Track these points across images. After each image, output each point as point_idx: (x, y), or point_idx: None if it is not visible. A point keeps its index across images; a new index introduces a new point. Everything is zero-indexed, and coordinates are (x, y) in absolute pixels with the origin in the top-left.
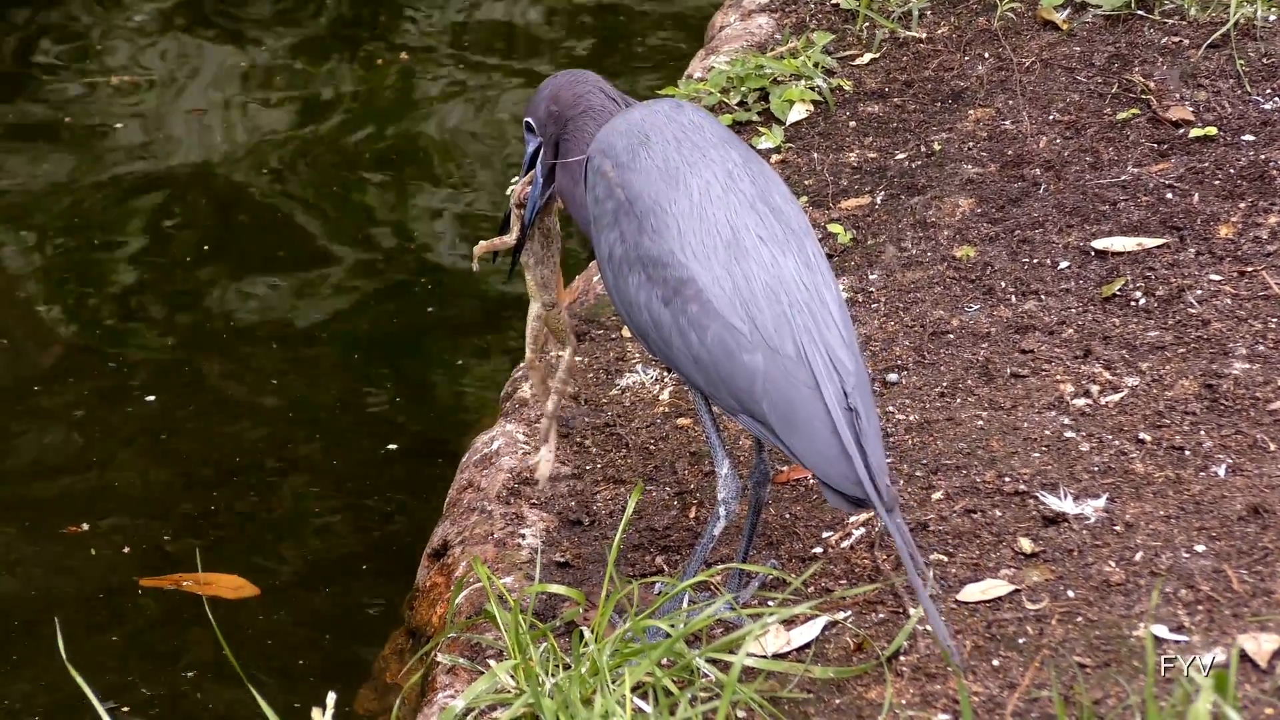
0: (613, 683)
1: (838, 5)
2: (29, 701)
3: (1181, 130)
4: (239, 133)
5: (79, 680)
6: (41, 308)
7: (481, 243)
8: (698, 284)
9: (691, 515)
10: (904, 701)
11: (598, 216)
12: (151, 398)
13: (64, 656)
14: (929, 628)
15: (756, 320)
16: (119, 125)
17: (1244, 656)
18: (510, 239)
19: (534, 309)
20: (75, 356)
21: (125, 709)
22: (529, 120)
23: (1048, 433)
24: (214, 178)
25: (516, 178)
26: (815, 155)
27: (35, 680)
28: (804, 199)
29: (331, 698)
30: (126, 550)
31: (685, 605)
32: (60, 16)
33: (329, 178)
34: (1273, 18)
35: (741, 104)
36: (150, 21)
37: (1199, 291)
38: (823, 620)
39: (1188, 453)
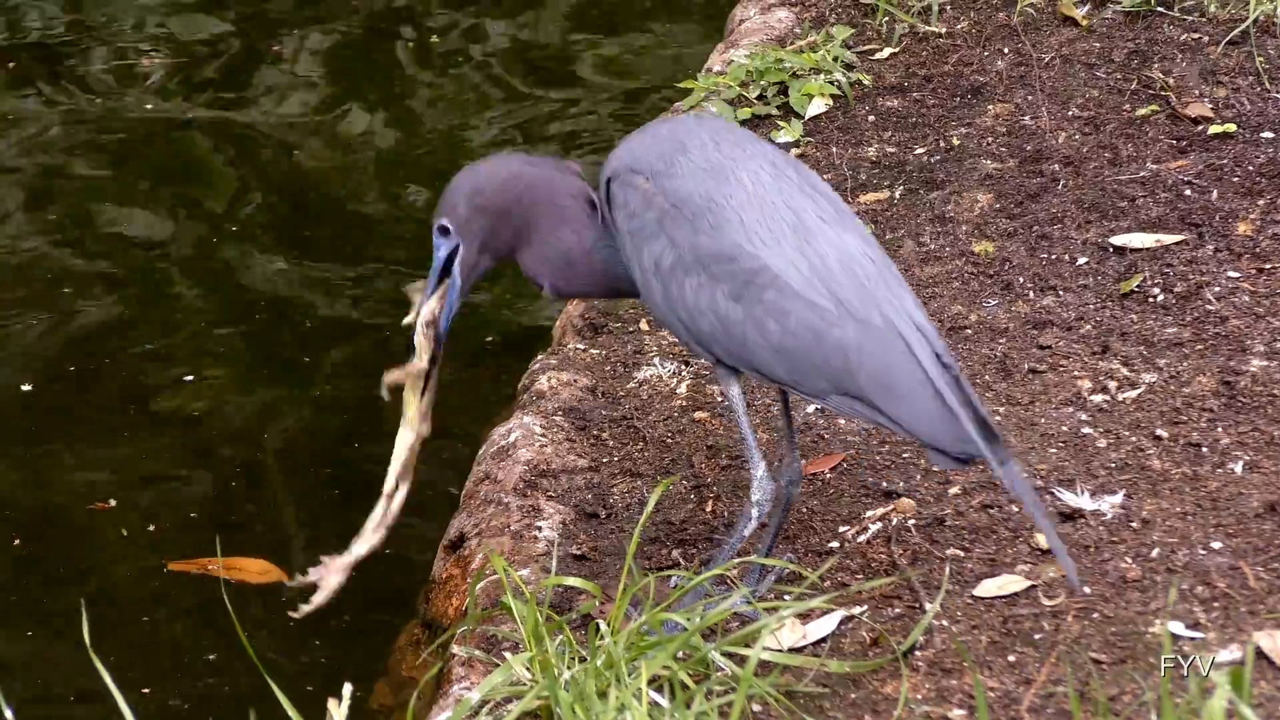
0: (628, 676)
1: (857, 0)
2: (53, 684)
3: (1200, 127)
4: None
5: (102, 671)
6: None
7: (391, 372)
8: (772, 270)
9: (708, 509)
10: (919, 696)
11: (635, 231)
12: (189, 377)
13: (88, 644)
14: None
15: (840, 295)
16: None
17: (1260, 654)
18: (422, 363)
19: (408, 437)
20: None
21: (146, 691)
22: (444, 223)
23: (1065, 428)
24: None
25: (420, 292)
26: (834, 150)
27: (59, 664)
28: None
29: (348, 689)
30: (153, 529)
31: (704, 599)
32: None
33: (380, 179)
34: None
35: (761, 98)
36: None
37: (1217, 288)
38: (839, 615)
39: (1205, 449)
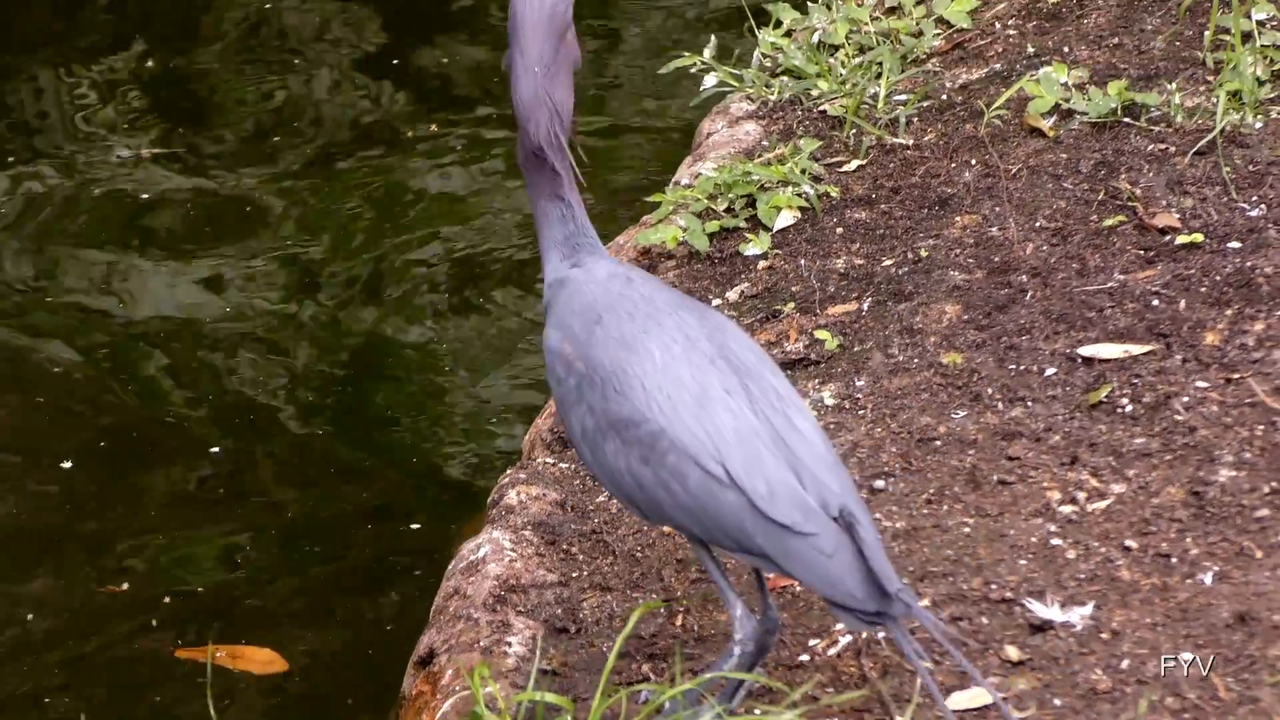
0: None
1: (825, 112)
2: None
3: (1168, 237)
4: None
5: None
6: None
7: None
8: (669, 435)
9: (678, 623)
10: None
11: (562, 396)
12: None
13: None
14: None
15: (728, 464)
16: None
17: None
18: None
19: None
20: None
21: None
22: None
23: (1034, 540)
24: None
25: None
26: (802, 261)
27: None
28: (791, 305)
29: None
30: (163, 612)
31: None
32: None
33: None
34: (1259, 125)
35: (729, 210)
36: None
37: (1185, 399)
38: None
39: (1174, 560)
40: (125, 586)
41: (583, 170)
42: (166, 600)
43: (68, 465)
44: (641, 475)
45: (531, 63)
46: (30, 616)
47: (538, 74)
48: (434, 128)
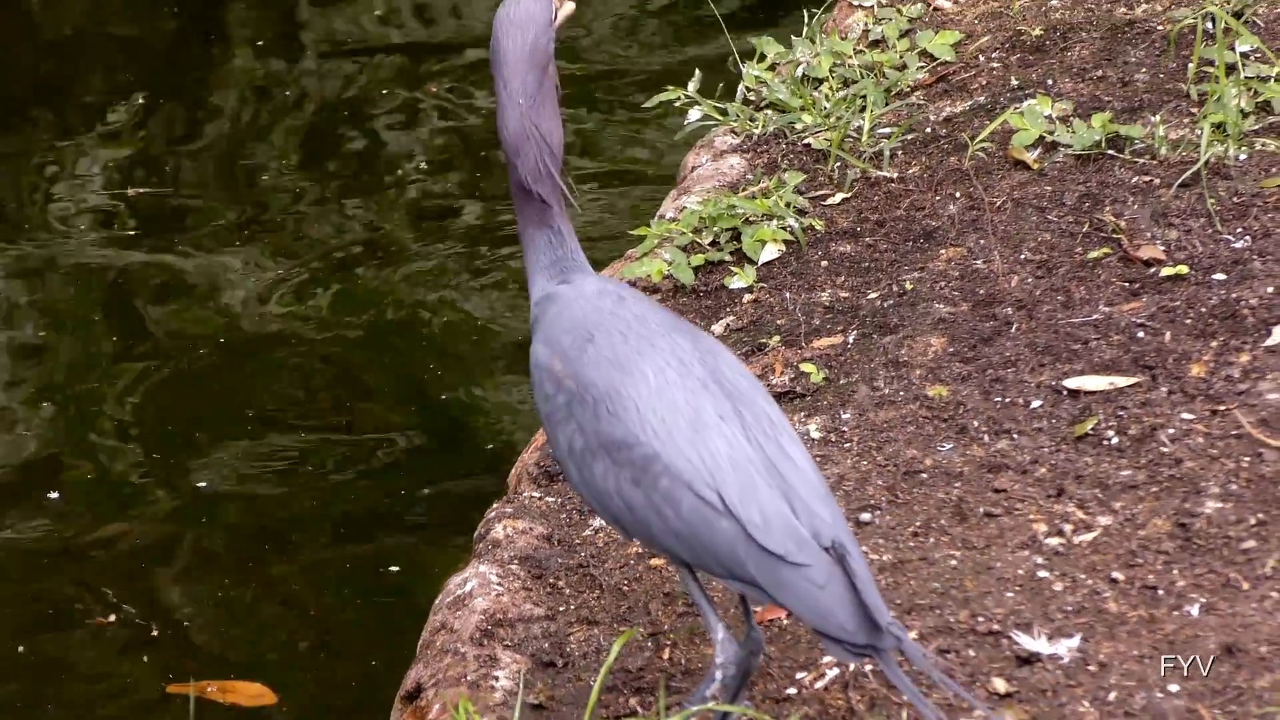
0: None
1: (809, 146)
2: None
3: (1153, 269)
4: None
5: None
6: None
7: None
8: (663, 459)
9: (665, 656)
10: None
11: (550, 414)
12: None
13: None
14: None
15: (723, 491)
16: None
17: None
18: None
19: None
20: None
21: None
22: None
23: (1021, 572)
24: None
25: None
26: (788, 294)
27: None
28: (776, 338)
29: None
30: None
31: None
32: None
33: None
34: (1243, 157)
35: (714, 244)
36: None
37: (1171, 430)
38: None
39: (1161, 592)
40: (113, 619)
41: (571, 198)
42: (155, 634)
43: (54, 496)
44: (632, 497)
45: (515, 95)
46: (21, 649)
47: (522, 105)
48: (423, 164)
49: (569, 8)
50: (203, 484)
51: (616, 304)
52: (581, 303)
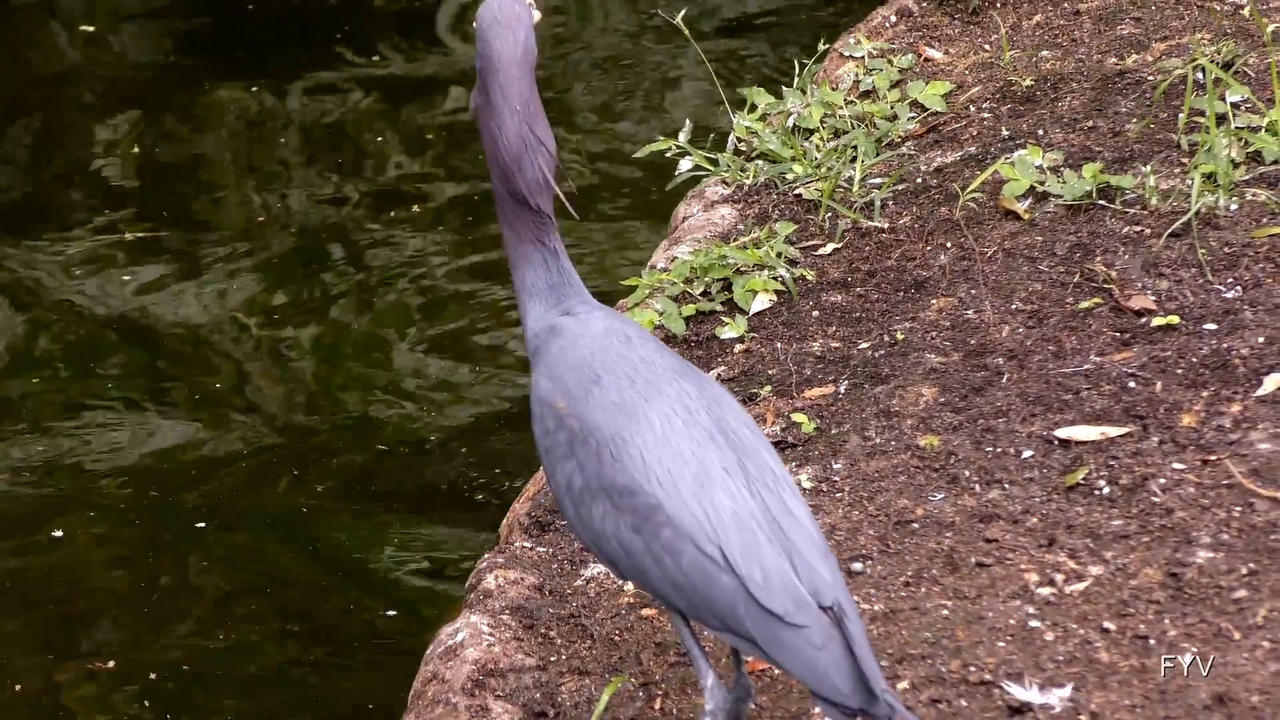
0: None
1: (800, 196)
2: None
3: (1144, 319)
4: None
5: None
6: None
7: None
8: (666, 510)
9: (656, 707)
10: None
11: (549, 448)
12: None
13: None
14: None
15: (725, 547)
16: None
17: None
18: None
19: None
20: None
21: None
22: None
23: (1012, 622)
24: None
25: None
26: (779, 345)
27: None
28: (768, 388)
29: None
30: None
31: None
32: None
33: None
34: (1234, 207)
35: (705, 294)
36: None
37: (1163, 480)
38: None
39: (1152, 641)
40: (111, 664)
41: (562, 213)
42: (152, 676)
43: (58, 534)
44: (631, 543)
45: (514, 102)
46: (19, 687)
47: (520, 112)
48: (416, 208)
49: (537, 14)
50: (200, 524)
51: (624, 345)
52: (588, 340)
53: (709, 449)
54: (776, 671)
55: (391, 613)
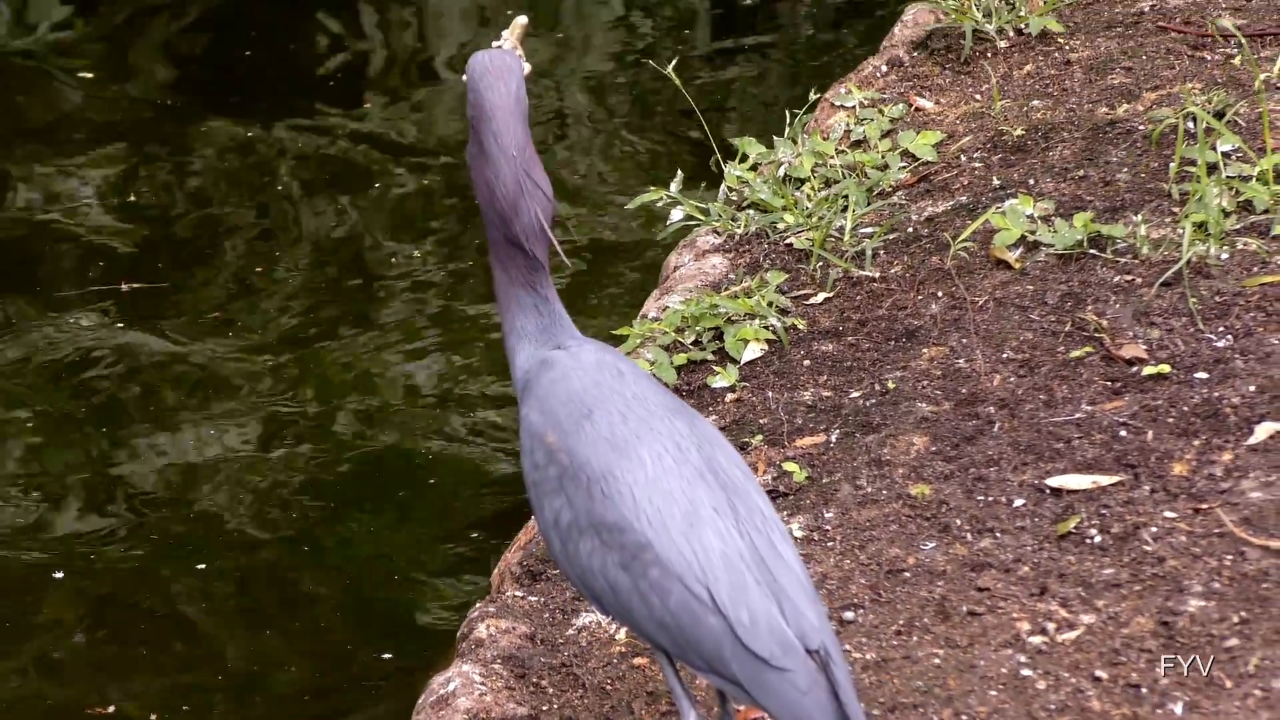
0: None
1: (791, 245)
2: None
3: (1135, 368)
4: None
5: None
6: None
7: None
8: (655, 549)
9: None
10: None
11: (538, 482)
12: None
13: None
14: None
15: (713, 588)
16: None
17: None
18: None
19: None
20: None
21: None
22: None
23: (1004, 671)
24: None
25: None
26: (770, 394)
27: None
28: (759, 437)
29: None
30: None
31: None
32: None
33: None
34: (1225, 256)
35: (696, 343)
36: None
37: (1154, 529)
38: None
39: (1144, 690)
40: (112, 709)
41: (556, 259)
42: (153, 718)
43: (59, 575)
44: (618, 580)
45: (509, 148)
46: None
47: (515, 159)
48: (415, 253)
49: (527, 66)
50: (201, 565)
51: (616, 379)
52: (580, 374)
53: (699, 488)
54: (766, 718)
55: (385, 657)
